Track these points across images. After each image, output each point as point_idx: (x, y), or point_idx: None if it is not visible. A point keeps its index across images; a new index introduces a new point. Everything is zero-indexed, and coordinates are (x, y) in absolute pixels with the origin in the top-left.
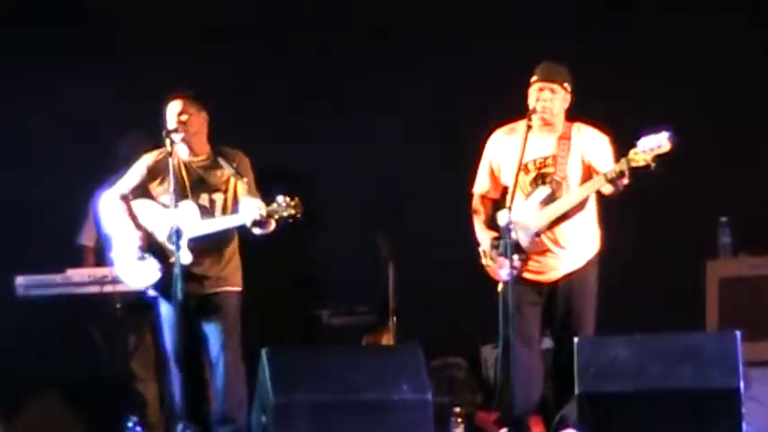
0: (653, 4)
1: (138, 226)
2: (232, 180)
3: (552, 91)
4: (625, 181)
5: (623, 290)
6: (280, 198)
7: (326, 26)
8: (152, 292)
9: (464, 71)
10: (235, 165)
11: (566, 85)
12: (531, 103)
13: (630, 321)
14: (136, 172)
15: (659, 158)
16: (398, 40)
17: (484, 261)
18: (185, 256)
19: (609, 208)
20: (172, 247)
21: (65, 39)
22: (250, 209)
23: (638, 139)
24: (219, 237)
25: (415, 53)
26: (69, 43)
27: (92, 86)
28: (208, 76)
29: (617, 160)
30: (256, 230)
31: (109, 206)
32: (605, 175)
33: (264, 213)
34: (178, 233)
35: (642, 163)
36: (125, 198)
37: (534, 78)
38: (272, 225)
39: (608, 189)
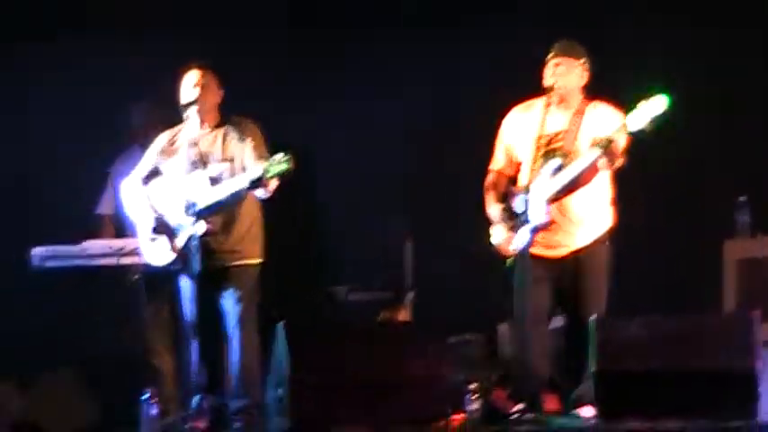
0: None
1: (153, 209)
2: (240, 148)
3: (567, 66)
4: (619, 160)
5: (640, 269)
6: (273, 155)
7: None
8: (173, 268)
9: (484, 42)
10: (241, 132)
11: (582, 60)
12: (547, 79)
13: (647, 301)
14: (150, 155)
15: (655, 121)
16: (414, 12)
17: (493, 240)
18: (200, 227)
19: (625, 186)
20: (188, 220)
21: (90, 10)
22: (248, 170)
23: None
24: (233, 208)
25: (431, 23)
26: (92, 14)
27: (105, 56)
28: (221, 47)
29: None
30: (259, 192)
31: (129, 192)
32: (599, 141)
33: (260, 172)
34: (192, 206)
35: (640, 127)
36: (144, 181)
37: (550, 55)
38: (272, 185)
39: (603, 164)
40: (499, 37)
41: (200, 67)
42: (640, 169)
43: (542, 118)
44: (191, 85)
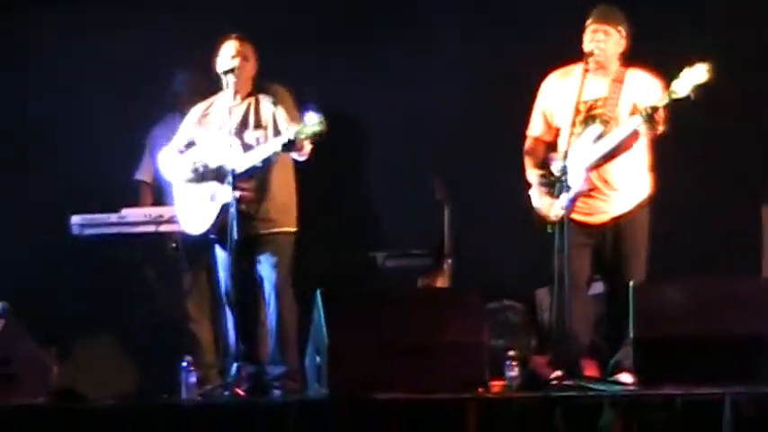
0: None
1: (191, 177)
2: (272, 114)
3: (606, 33)
4: (661, 127)
5: (679, 235)
6: (305, 116)
7: None
8: (211, 236)
9: (519, 14)
10: (273, 99)
11: (620, 28)
12: (586, 45)
13: (686, 267)
14: (185, 128)
15: (699, 89)
16: None
17: (534, 203)
18: (236, 194)
19: (665, 152)
20: (224, 188)
21: None
22: (282, 134)
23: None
24: (268, 176)
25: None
26: None
27: (146, 25)
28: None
29: None
30: (293, 155)
31: (168, 162)
32: (642, 109)
33: (293, 134)
34: (228, 172)
35: (683, 94)
36: (180, 152)
37: (589, 21)
38: (306, 146)
39: (644, 131)
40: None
41: (238, 38)
42: (679, 135)
43: (581, 84)
44: (229, 55)
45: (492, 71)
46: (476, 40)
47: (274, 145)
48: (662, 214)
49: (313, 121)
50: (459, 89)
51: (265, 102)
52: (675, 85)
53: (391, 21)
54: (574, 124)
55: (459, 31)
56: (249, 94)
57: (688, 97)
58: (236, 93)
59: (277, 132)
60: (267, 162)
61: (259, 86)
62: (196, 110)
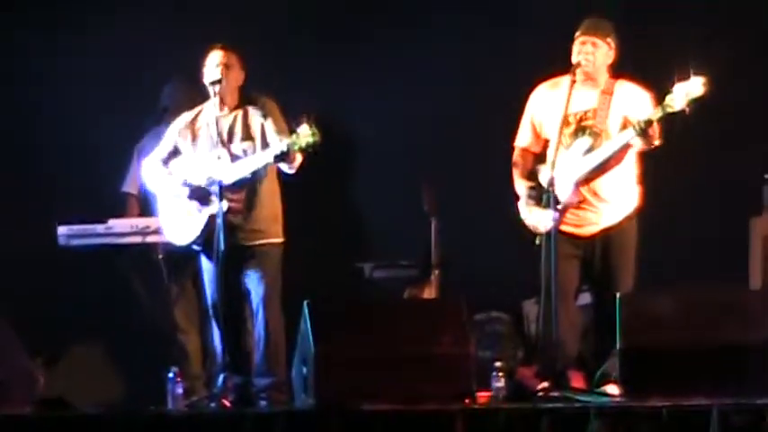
0: None
1: (176, 186)
2: (260, 126)
3: (594, 45)
4: (656, 141)
5: (667, 246)
6: (298, 128)
7: None
8: (196, 247)
9: (511, 24)
10: (261, 111)
11: (608, 39)
12: (575, 57)
13: (674, 277)
14: (169, 137)
15: (694, 103)
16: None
17: (522, 215)
18: (223, 205)
19: (653, 163)
20: (210, 198)
21: None
22: (272, 146)
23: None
24: (256, 187)
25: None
26: None
27: (135, 32)
28: (241, 25)
29: None
30: (283, 167)
31: (150, 171)
32: (636, 123)
33: (286, 146)
34: (214, 183)
35: (678, 108)
36: (164, 162)
37: (578, 33)
38: (297, 158)
39: (638, 144)
40: (517, 15)
41: (223, 48)
42: (669, 145)
43: (568, 95)
44: (214, 64)
45: (479, 83)
46: (464, 54)
47: (266, 156)
48: (652, 224)
49: (306, 133)
50: (447, 101)
51: (254, 113)
52: (670, 98)
53: (380, 33)
54: (562, 135)
55: (448, 43)
56: (237, 105)
57: (683, 111)
58: (222, 103)
59: (265, 144)
60: (256, 174)
61: (247, 97)
62: (182, 119)
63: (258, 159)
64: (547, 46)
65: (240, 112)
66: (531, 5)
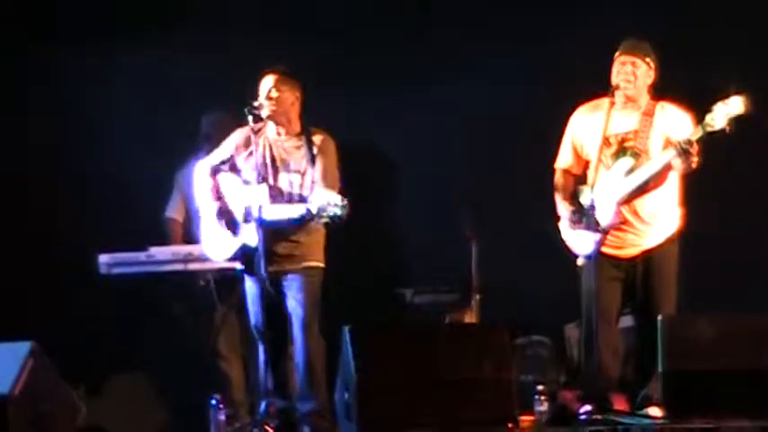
0: None
1: (220, 197)
2: (312, 164)
3: (634, 65)
4: (695, 159)
5: (708, 269)
6: (329, 197)
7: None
8: (238, 266)
9: (548, 47)
10: (315, 148)
11: (648, 60)
12: (614, 78)
13: (716, 300)
14: (227, 146)
15: (735, 121)
16: (484, 20)
17: (564, 236)
18: (258, 235)
19: (695, 186)
20: (248, 225)
21: (153, 13)
22: (315, 201)
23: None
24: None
25: (501, 26)
26: (156, 17)
27: (176, 61)
28: (294, 54)
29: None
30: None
31: (199, 177)
32: (676, 143)
33: (313, 212)
34: (252, 215)
35: (718, 127)
36: (214, 170)
37: (617, 53)
38: (323, 221)
39: (678, 164)
40: (556, 36)
41: (276, 72)
42: (711, 167)
43: (607, 116)
44: (266, 90)
45: (519, 105)
46: (502, 75)
47: (294, 212)
48: (693, 247)
49: (336, 203)
50: (487, 123)
51: (309, 149)
52: (710, 117)
53: (419, 58)
54: (603, 157)
55: (486, 66)
56: (296, 134)
57: (723, 130)
58: (279, 128)
59: (313, 183)
60: (291, 222)
61: (307, 129)
62: (240, 133)
63: (288, 212)
64: (586, 66)
65: (296, 143)
66: (574, 25)
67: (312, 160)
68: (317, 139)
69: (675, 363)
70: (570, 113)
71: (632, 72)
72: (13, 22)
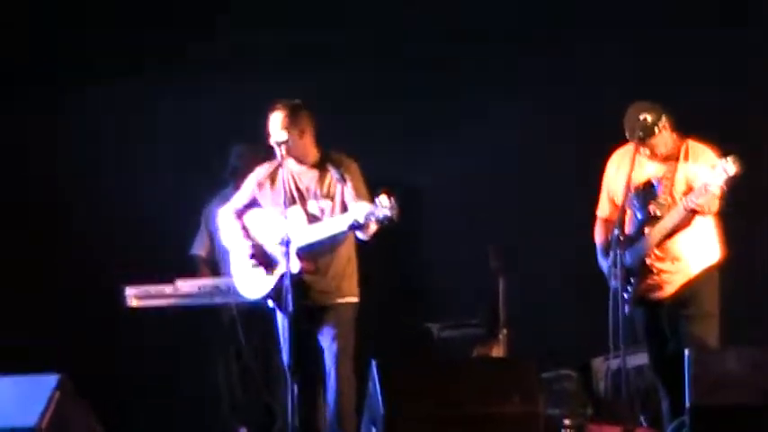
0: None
1: (250, 237)
2: (339, 186)
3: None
4: (715, 205)
5: (740, 302)
6: (377, 199)
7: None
8: (270, 303)
9: (577, 76)
10: (341, 170)
11: (659, 125)
12: (630, 134)
13: (747, 334)
14: (247, 187)
15: (732, 181)
16: (512, 54)
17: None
18: (294, 265)
19: (733, 221)
20: (283, 257)
21: (174, 48)
22: (349, 212)
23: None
24: (331, 247)
25: (530, 65)
26: (185, 50)
27: (201, 97)
28: (314, 89)
29: None
30: (358, 234)
31: (224, 222)
32: (683, 202)
33: (361, 217)
34: (287, 242)
35: (719, 192)
36: (239, 213)
37: (627, 133)
38: (372, 228)
39: (700, 209)
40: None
41: (284, 107)
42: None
43: (636, 164)
44: (276, 126)
45: (548, 138)
46: (532, 107)
47: (341, 224)
48: (728, 280)
49: (385, 205)
50: (516, 157)
51: (333, 173)
52: (724, 165)
53: (448, 89)
54: (628, 204)
55: (515, 97)
56: (317, 162)
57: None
58: (300, 160)
59: (343, 206)
60: (333, 239)
61: (328, 154)
62: (260, 171)
63: (334, 226)
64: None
65: (320, 170)
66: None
67: (342, 178)
68: (340, 161)
69: (703, 397)
70: (600, 155)
71: (648, 132)
72: (44, 56)
